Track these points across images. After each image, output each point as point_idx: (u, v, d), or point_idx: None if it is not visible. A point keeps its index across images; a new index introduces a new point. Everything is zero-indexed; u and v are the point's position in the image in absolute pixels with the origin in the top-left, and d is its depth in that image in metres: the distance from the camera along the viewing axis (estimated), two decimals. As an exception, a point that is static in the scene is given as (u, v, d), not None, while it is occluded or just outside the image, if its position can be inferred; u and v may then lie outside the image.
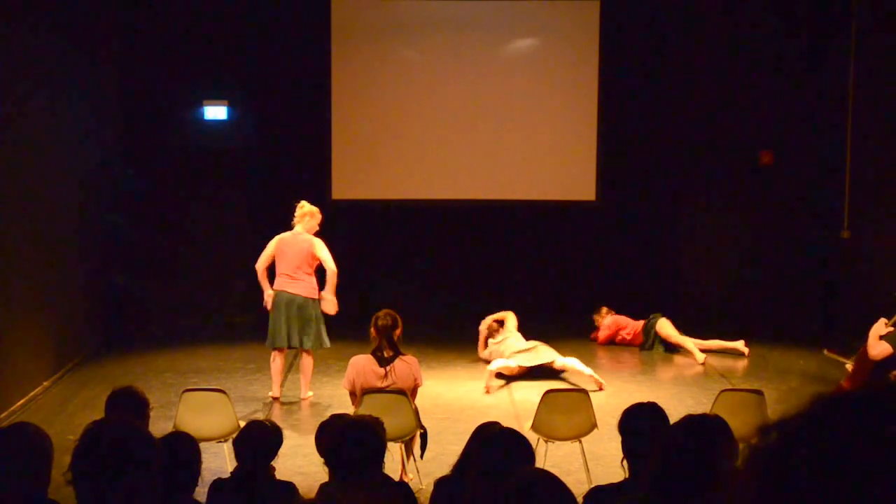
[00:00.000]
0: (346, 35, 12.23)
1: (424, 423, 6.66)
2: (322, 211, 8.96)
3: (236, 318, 11.77)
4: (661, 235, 12.55)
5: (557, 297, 12.33)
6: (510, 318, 10.38)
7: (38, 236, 9.11)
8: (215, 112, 12.15)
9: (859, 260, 11.10)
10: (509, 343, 9.92)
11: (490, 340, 10.25)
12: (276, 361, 8.79)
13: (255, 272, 8.78)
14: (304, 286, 8.62)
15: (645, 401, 4.18)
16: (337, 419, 4.63)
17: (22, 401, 8.50)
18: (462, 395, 9.05)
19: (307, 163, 12.28)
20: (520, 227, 12.59)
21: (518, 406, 8.58)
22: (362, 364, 6.65)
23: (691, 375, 9.94)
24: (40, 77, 9.17)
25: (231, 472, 4.53)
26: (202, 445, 4.30)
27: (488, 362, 9.72)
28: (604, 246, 12.50)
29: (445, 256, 12.52)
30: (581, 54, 12.28)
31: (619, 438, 3.95)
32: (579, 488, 4.82)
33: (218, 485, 4.43)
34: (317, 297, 8.66)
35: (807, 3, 11.90)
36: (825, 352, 10.46)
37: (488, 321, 10.39)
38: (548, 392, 6.83)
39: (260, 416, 7.99)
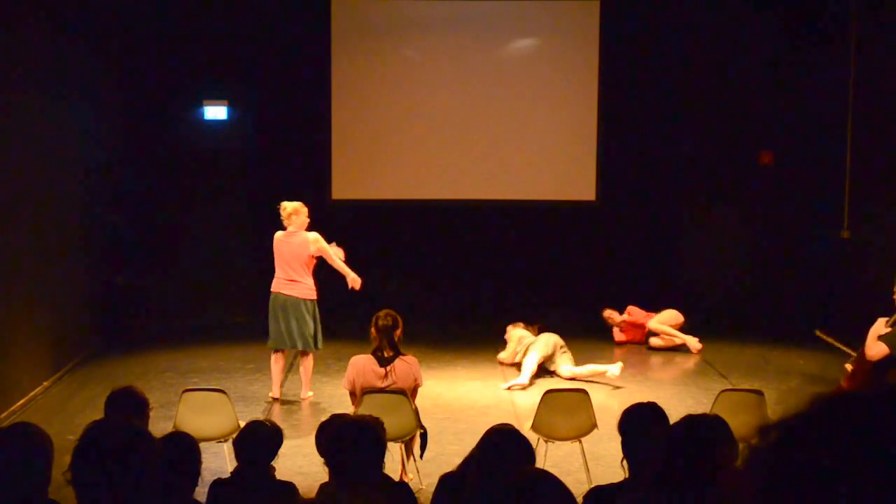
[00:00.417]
0: (346, 35, 12.23)
1: (424, 423, 6.66)
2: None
3: (236, 318, 11.77)
4: (661, 235, 12.55)
5: (557, 296, 12.33)
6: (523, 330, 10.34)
7: (39, 236, 9.11)
8: (215, 112, 12.15)
9: (859, 260, 11.09)
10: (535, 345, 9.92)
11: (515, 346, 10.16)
12: (277, 363, 8.79)
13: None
14: (300, 288, 8.61)
15: (645, 401, 4.18)
16: (337, 419, 4.63)
17: (22, 401, 8.51)
18: (462, 395, 9.05)
19: (307, 163, 12.28)
20: (520, 227, 12.59)
21: (518, 406, 8.58)
22: (362, 364, 6.65)
23: (691, 375, 9.94)
24: (40, 77, 9.17)
25: (231, 472, 4.53)
26: (202, 445, 4.30)
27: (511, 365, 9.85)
28: (604, 246, 12.50)
29: (445, 256, 12.52)
30: (581, 54, 12.28)
31: (619, 438, 3.95)
32: (579, 488, 4.82)
33: (218, 485, 4.43)
34: (313, 297, 8.66)
35: (807, 4, 11.89)
36: (817, 332, 10.44)
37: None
38: (548, 392, 6.84)
39: (260, 416, 7.99)
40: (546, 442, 6.69)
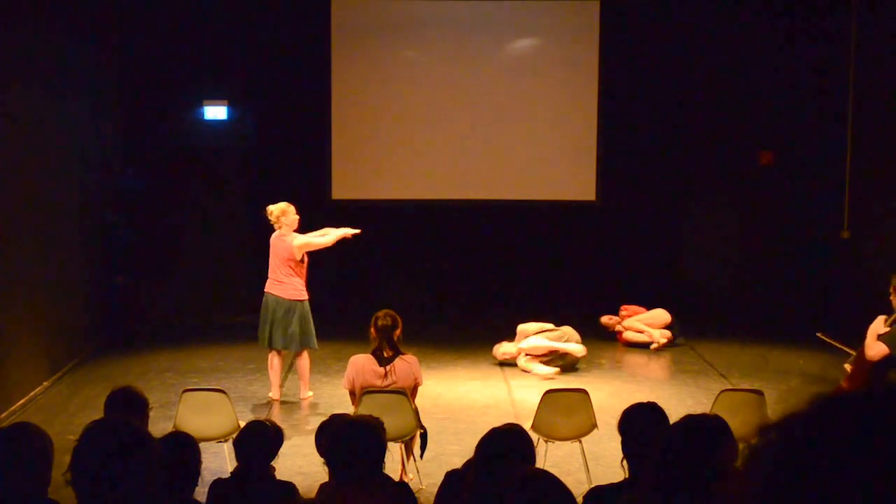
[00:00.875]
0: (346, 35, 12.23)
1: (424, 423, 6.66)
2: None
3: (236, 318, 11.77)
4: (661, 235, 12.55)
5: (557, 297, 12.32)
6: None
7: (39, 236, 9.11)
8: (215, 112, 12.15)
9: (859, 260, 11.09)
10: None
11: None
12: (274, 363, 8.78)
13: (262, 270, 8.83)
14: (290, 289, 8.60)
15: (645, 401, 4.18)
16: (337, 419, 4.63)
17: (22, 401, 8.50)
18: (462, 395, 9.05)
19: (307, 163, 12.28)
20: (520, 227, 12.59)
21: (518, 406, 8.58)
22: (362, 363, 6.65)
23: (691, 375, 9.94)
24: (40, 76, 9.17)
25: (231, 472, 4.53)
26: (202, 445, 4.30)
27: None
28: (604, 246, 12.50)
29: (445, 256, 12.52)
30: (581, 54, 12.28)
31: (619, 438, 3.95)
32: (579, 488, 4.82)
33: (218, 485, 4.43)
34: (303, 298, 8.64)
35: (807, 4, 11.89)
36: (818, 334, 10.45)
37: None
38: (548, 392, 6.83)
39: (260, 416, 7.99)
40: (546, 442, 6.69)
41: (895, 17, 10.50)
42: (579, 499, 3.22)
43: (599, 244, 12.52)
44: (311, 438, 5.19)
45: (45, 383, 9.11)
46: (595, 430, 6.67)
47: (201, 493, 4.31)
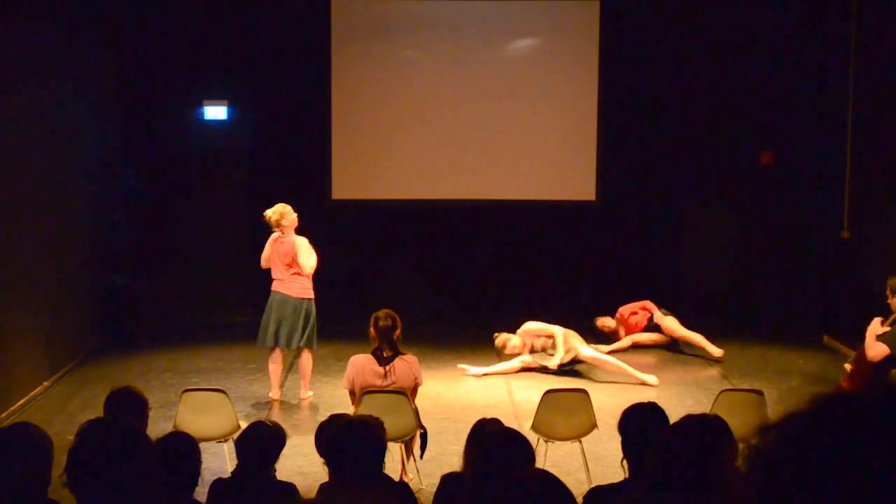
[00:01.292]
0: (346, 35, 12.22)
1: (424, 423, 6.66)
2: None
3: (236, 318, 11.77)
4: (661, 235, 12.55)
5: (557, 297, 12.32)
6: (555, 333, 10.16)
7: (38, 236, 9.11)
8: (215, 112, 12.15)
9: (859, 260, 11.09)
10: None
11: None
12: (275, 362, 8.78)
13: (261, 270, 8.83)
14: (297, 287, 8.63)
15: (645, 401, 4.18)
16: (337, 419, 4.63)
17: (22, 401, 8.51)
18: (462, 395, 9.05)
19: (307, 163, 12.28)
20: (520, 227, 12.58)
21: (518, 406, 8.58)
22: (362, 363, 6.65)
23: (691, 375, 9.94)
24: (40, 76, 9.17)
25: (231, 472, 4.53)
26: (202, 445, 4.30)
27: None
28: (604, 246, 12.50)
29: (445, 256, 12.51)
30: (581, 54, 12.28)
31: (619, 438, 3.96)
32: (579, 488, 4.82)
33: (218, 485, 4.43)
34: (311, 297, 8.67)
35: (807, 4, 11.90)
36: (825, 338, 10.45)
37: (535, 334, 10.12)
38: (548, 392, 6.84)
39: (260, 416, 7.99)
40: (546, 442, 6.69)
41: (895, 17, 10.49)
42: (579, 499, 3.22)
43: (599, 244, 12.52)
44: (311, 438, 5.19)
45: (45, 383, 9.11)
46: (595, 430, 6.67)
47: (201, 493, 4.31)
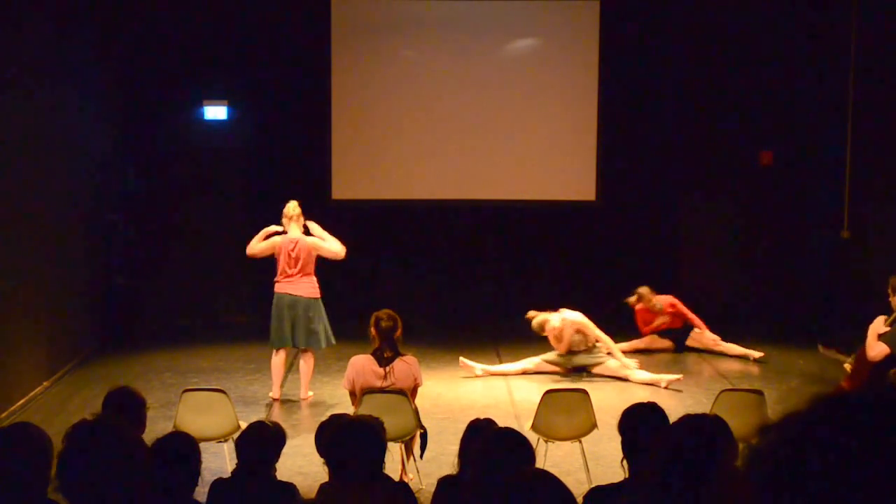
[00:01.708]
0: (346, 35, 12.22)
1: (424, 423, 6.66)
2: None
3: (236, 318, 11.77)
4: (660, 236, 12.55)
5: (557, 297, 12.31)
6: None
7: (39, 236, 9.11)
8: (215, 112, 12.15)
9: (859, 260, 11.09)
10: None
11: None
12: (278, 362, 8.78)
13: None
14: (308, 287, 8.64)
15: (645, 401, 4.18)
16: (337, 419, 4.63)
17: (22, 401, 8.50)
18: (462, 395, 9.05)
19: (307, 163, 12.28)
20: (520, 227, 12.58)
21: (518, 406, 8.58)
22: (362, 364, 6.65)
23: (691, 375, 9.94)
24: (40, 76, 9.17)
25: (231, 472, 4.53)
26: (202, 445, 4.30)
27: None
28: (604, 246, 12.50)
29: (445, 256, 12.52)
30: (581, 54, 12.28)
31: (619, 438, 3.96)
32: (579, 488, 4.82)
33: (218, 485, 4.43)
34: (318, 296, 8.69)
35: (807, 4, 11.90)
36: (820, 348, 10.45)
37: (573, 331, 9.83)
38: (548, 392, 6.84)
39: (260, 416, 7.99)
40: (546, 442, 6.69)
41: (895, 17, 10.50)
42: (579, 499, 3.21)
43: (599, 244, 12.52)
44: (311, 438, 5.19)
45: (45, 383, 9.11)
46: (595, 430, 6.67)
47: (201, 493, 4.31)
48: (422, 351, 9.12)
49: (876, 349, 7.03)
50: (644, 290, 10.86)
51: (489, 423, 4.57)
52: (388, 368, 6.60)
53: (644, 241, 12.46)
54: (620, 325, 11.28)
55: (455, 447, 4.55)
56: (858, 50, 10.95)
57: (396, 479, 5.77)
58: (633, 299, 10.94)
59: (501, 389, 9.32)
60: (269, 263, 8.82)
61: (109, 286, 11.49)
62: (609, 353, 9.74)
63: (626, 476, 3.93)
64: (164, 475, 3.73)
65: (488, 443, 3.59)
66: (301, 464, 6.82)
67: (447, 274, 12.49)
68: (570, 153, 12.42)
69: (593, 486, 4.38)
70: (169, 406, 7.99)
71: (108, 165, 11.29)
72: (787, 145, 12.15)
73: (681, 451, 2.78)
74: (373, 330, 6.68)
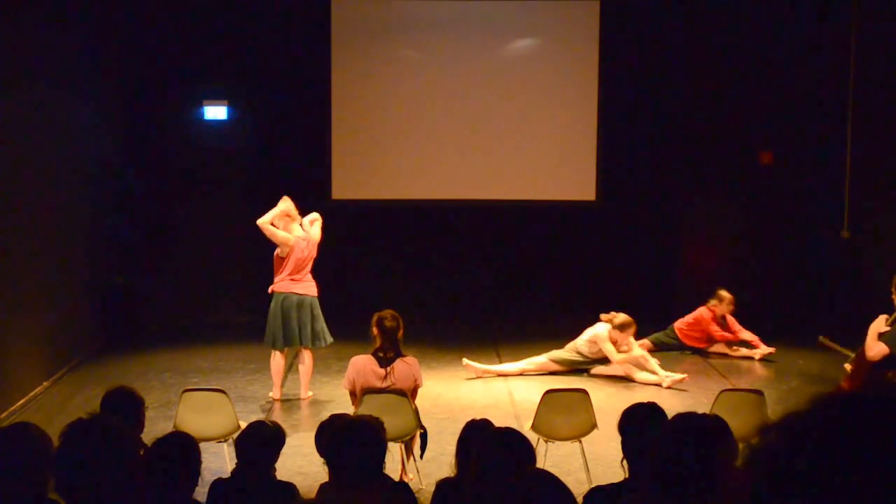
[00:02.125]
0: (346, 35, 12.22)
1: (424, 423, 6.66)
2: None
3: (236, 318, 11.77)
4: (661, 236, 12.55)
5: (557, 297, 12.33)
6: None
7: (39, 236, 9.11)
8: (215, 112, 12.15)
9: (859, 260, 11.09)
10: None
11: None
12: (277, 361, 8.78)
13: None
14: (310, 286, 8.68)
15: (645, 401, 4.19)
16: (337, 419, 4.63)
17: (22, 401, 8.50)
18: (462, 395, 9.05)
19: (307, 163, 12.28)
20: (520, 227, 12.58)
21: (518, 406, 8.58)
22: (362, 364, 6.65)
23: (692, 375, 9.93)
24: (40, 77, 9.17)
25: (231, 472, 4.53)
26: (202, 445, 4.30)
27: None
28: (604, 246, 12.50)
29: (445, 256, 12.52)
30: (581, 54, 12.28)
31: (619, 438, 3.96)
32: (579, 488, 4.82)
33: (218, 485, 4.43)
34: (317, 294, 8.71)
35: (807, 4, 11.89)
36: (820, 338, 10.45)
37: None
38: (548, 392, 6.84)
39: (260, 416, 7.99)
40: (546, 442, 6.69)
41: (895, 17, 10.49)
42: (579, 499, 3.22)
43: (599, 244, 12.52)
44: (311, 438, 5.19)
45: (45, 383, 9.11)
46: (595, 430, 6.67)
47: (201, 493, 4.31)
48: (422, 351, 9.13)
49: (875, 349, 7.02)
50: (727, 294, 10.84)
51: (486, 423, 4.57)
52: (388, 369, 6.60)
53: (644, 241, 12.46)
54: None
55: (455, 447, 4.55)
56: (859, 50, 10.95)
57: (396, 479, 5.77)
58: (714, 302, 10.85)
59: (501, 389, 9.32)
60: (267, 263, 8.80)
61: (109, 286, 11.49)
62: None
63: (626, 476, 3.93)
64: (164, 475, 3.73)
65: (489, 442, 3.59)
66: (301, 464, 6.82)
67: (447, 274, 12.49)
68: (570, 153, 12.42)
69: (593, 486, 4.38)
70: (169, 406, 7.99)
71: (108, 165, 11.29)
72: (787, 145, 12.15)
73: (673, 450, 2.78)
74: (375, 330, 6.68)
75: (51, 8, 9.54)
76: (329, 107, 12.26)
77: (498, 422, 4.64)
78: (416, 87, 12.31)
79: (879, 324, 7.15)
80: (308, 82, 12.22)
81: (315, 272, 8.79)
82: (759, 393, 6.75)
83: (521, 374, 9.74)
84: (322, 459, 4.22)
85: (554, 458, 6.77)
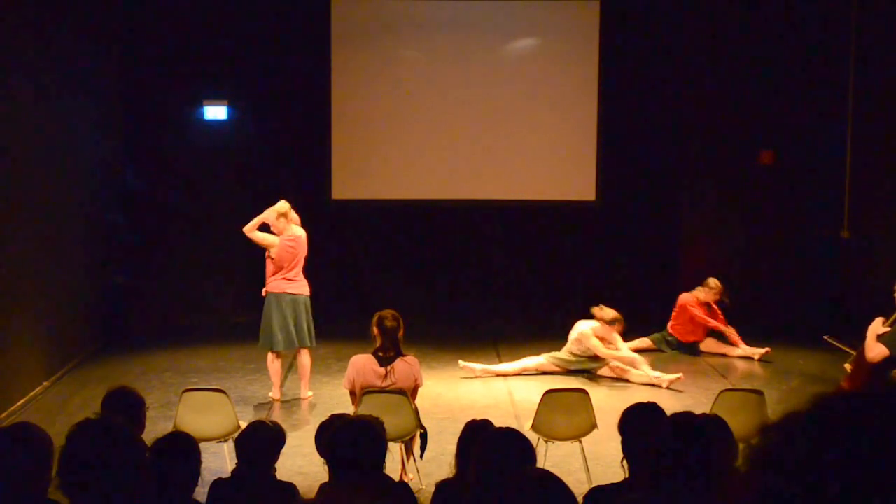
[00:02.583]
0: (346, 35, 12.22)
1: (424, 423, 6.66)
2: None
3: (236, 319, 11.77)
4: (661, 236, 12.55)
5: (557, 296, 12.32)
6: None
7: (39, 236, 9.11)
8: (215, 112, 12.14)
9: (859, 260, 11.09)
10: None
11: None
12: (275, 363, 8.78)
13: (261, 271, 8.81)
14: (303, 286, 8.67)
15: (645, 401, 4.18)
16: (337, 419, 4.63)
17: (22, 401, 8.50)
18: (462, 395, 9.05)
19: (307, 163, 12.28)
20: (520, 227, 12.58)
21: (518, 406, 8.58)
22: (362, 363, 6.65)
23: (691, 375, 9.93)
24: (40, 77, 9.17)
25: (231, 472, 4.53)
26: (202, 445, 4.30)
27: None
28: (604, 246, 12.50)
29: (445, 256, 12.52)
30: (581, 54, 12.28)
31: (619, 438, 3.96)
32: (579, 488, 4.81)
33: (218, 485, 4.43)
34: (309, 293, 8.72)
35: (807, 4, 11.90)
36: (825, 338, 10.44)
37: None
38: (548, 392, 6.83)
39: (260, 416, 7.99)
40: (546, 442, 6.69)
41: (895, 17, 10.50)
42: (579, 499, 3.21)
43: (599, 244, 12.52)
44: (311, 438, 5.19)
45: (45, 383, 9.11)
46: (595, 430, 6.67)
47: (201, 493, 4.31)
48: (422, 351, 9.12)
49: (875, 350, 7.03)
50: (716, 282, 10.78)
51: (486, 423, 4.57)
52: (388, 368, 6.60)
53: (644, 241, 12.46)
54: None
55: (455, 447, 4.55)
56: (859, 49, 10.95)
57: (396, 479, 5.77)
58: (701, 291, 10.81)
59: (501, 389, 9.32)
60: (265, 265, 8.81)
61: (109, 286, 11.49)
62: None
63: (626, 476, 3.93)
64: (164, 475, 3.73)
65: (489, 442, 3.58)
66: (301, 464, 6.82)
67: (447, 274, 12.48)
68: (570, 153, 12.42)
69: (593, 486, 4.38)
70: (169, 406, 7.99)
71: (108, 165, 11.29)
72: (787, 145, 12.15)
73: (669, 450, 2.79)
74: (375, 329, 6.68)
75: (51, 8, 9.53)
76: (329, 107, 12.26)
77: (498, 422, 4.64)
78: (415, 87, 12.31)
79: (877, 326, 7.17)
80: (308, 82, 12.22)
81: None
82: (759, 393, 6.75)
83: (520, 374, 9.74)
84: (322, 459, 4.22)
85: (554, 458, 6.77)
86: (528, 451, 3.55)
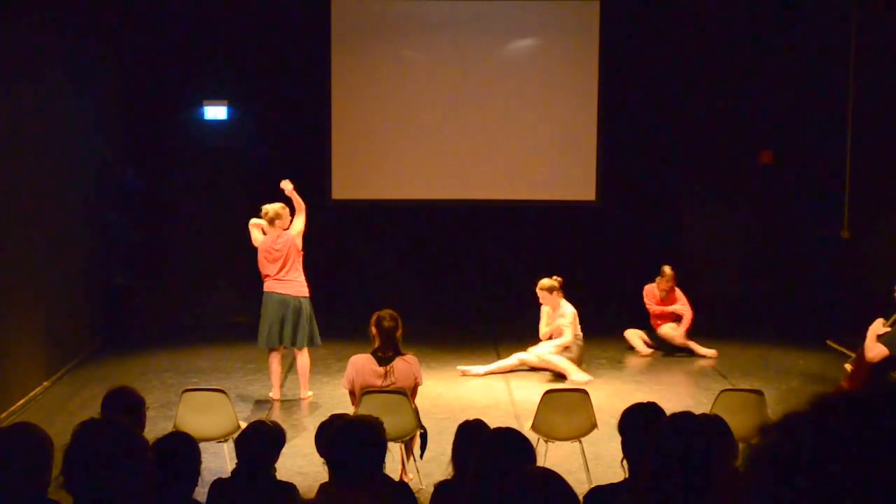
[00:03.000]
0: (346, 35, 12.22)
1: (424, 423, 6.66)
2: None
3: (236, 318, 11.77)
4: (661, 235, 12.54)
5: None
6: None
7: (39, 236, 9.11)
8: (215, 112, 12.14)
9: (859, 260, 11.09)
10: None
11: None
12: (274, 363, 8.78)
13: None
14: (295, 286, 8.64)
15: (645, 401, 4.18)
16: (337, 419, 4.63)
17: (22, 401, 8.51)
18: (462, 395, 9.05)
19: (307, 163, 12.27)
20: (520, 227, 12.58)
21: (518, 406, 8.58)
22: (362, 363, 6.65)
23: (691, 375, 9.94)
24: (41, 76, 9.17)
25: (231, 472, 4.53)
26: (202, 445, 4.30)
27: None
28: (604, 246, 12.50)
29: (445, 256, 12.51)
30: (581, 54, 12.27)
31: (619, 438, 3.96)
32: (579, 488, 4.80)
33: (218, 485, 4.43)
34: (307, 294, 8.69)
35: (807, 4, 11.89)
36: (828, 342, 10.43)
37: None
38: (548, 392, 6.84)
39: (260, 416, 7.99)
40: (546, 442, 6.69)
41: (895, 17, 10.49)
42: (579, 499, 3.21)
43: (599, 244, 12.51)
44: (311, 438, 5.19)
45: (45, 383, 9.11)
46: (595, 430, 6.67)
47: (201, 493, 4.31)
48: (422, 351, 9.12)
49: (875, 350, 7.04)
50: (668, 269, 11.00)
51: (480, 423, 4.57)
52: (388, 368, 6.60)
53: (644, 241, 12.46)
54: (621, 324, 11.30)
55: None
56: (859, 50, 10.95)
57: (396, 479, 5.77)
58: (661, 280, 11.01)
59: (501, 389, 9.32)
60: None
61: (109, 286, 11.49)
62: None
63: (626, 476, 3.93)
64: (164, 475, 3.73)
65: (488, 443, 3.58)
66: (301, 464, 6.82)
67: (447, 274, 12.48)
68: (570, 153, 12.42)
69: (593, 486, 4.38)
70: (169, 406, 7.99)
71: (108, 165, 11.29)
72: (787, 145, 12.15)
73: (667, 450, 2.78)
74: (374, 329, 6.68)
75: (51, 8, 9.53)
76: (329, 107, 12.26)
77: (498, 422, 4.64)
78: (416, 87, 12.31)
79: (877, 326, 7.18)
80: (308, 82, 12.22)
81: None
82: (759, 393, 6.76)
83: (519, 367, 9.82)
84: (322, 459, 4.22)
85: (554, 458, 6.77)
86: (527, 450, 3.55)
